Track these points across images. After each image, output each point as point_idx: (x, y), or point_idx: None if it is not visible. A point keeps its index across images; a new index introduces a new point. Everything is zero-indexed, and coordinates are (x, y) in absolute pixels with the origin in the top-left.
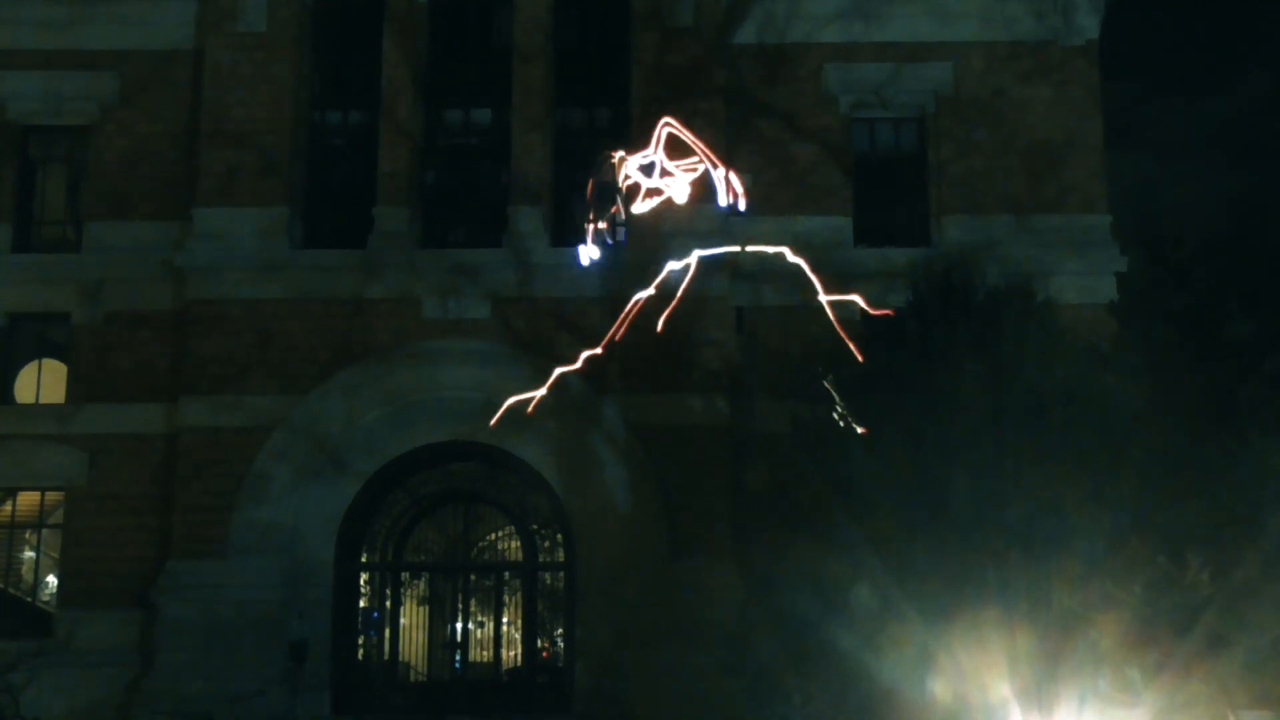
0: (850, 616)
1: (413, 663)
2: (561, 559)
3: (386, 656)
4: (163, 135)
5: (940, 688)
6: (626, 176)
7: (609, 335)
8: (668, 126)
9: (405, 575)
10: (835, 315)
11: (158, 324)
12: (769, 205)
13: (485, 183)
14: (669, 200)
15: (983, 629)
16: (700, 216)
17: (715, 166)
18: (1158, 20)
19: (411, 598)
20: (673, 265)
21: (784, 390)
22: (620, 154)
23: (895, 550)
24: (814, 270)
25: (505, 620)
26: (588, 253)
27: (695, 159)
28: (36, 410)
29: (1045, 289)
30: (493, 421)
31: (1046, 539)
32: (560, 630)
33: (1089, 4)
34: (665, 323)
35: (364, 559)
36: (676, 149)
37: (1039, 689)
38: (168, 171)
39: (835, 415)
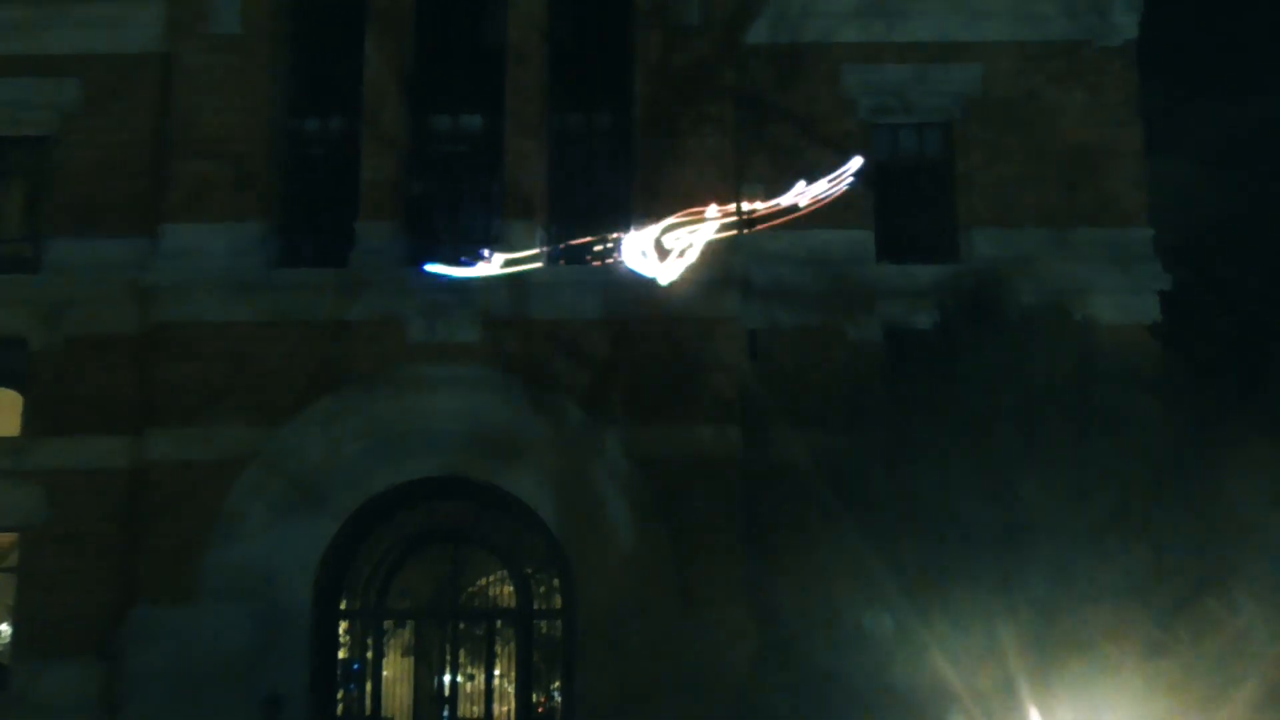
0: (877, 668)
1: (396, 718)
2: (559, 605)
3: (368, 711)
4: (129, 145)
5: None
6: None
7: None
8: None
9: (389, 623)
10: (853, 337)
11: (123, 349)
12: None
13: (476, 194)
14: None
15: (1020, 674)
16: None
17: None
18: (1199, 17)
19: (395, 647)
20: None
21: (802, 419)
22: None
23: (926, 591)
24: (834, 288)
25: (497, 672)
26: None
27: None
28: None
29: (1082, 308)
30: None
31: (1087, 576)
32: (557, 683)
33: (1126, 2)
34: (672, 346)
35: (344, 605)
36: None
37: None
38: (135, 184)
39: None
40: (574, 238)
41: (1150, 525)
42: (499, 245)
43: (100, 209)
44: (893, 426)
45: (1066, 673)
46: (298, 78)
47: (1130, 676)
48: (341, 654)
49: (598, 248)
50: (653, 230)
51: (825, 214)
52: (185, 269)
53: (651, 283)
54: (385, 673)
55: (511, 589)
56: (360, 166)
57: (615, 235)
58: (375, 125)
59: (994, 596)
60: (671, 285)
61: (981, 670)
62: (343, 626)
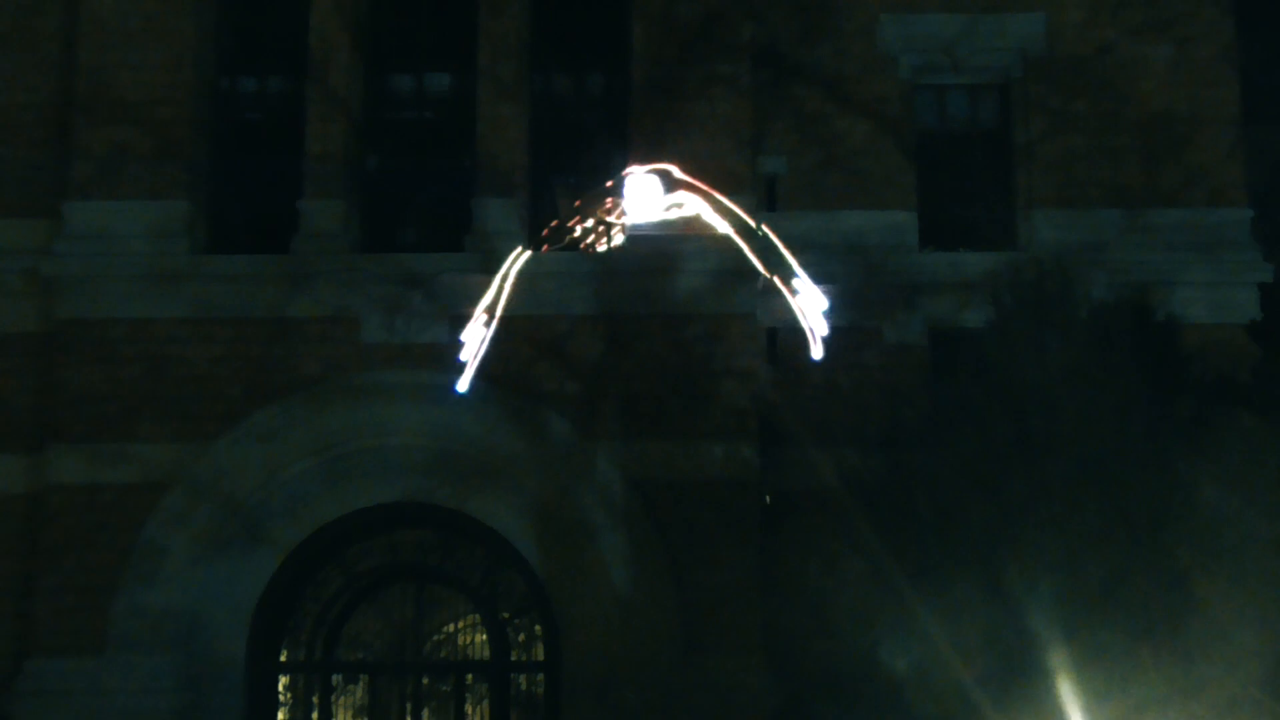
0: None
1: None
2: (541, 656)
3: None
4: (26, 108)
5: None
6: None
7: None
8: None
9: (338, 677)
10: (891, 339)
11: (20, 350)
12: (809, 196)
13: (443, 168)
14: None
15: None
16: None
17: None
18: None
19: (346, 706)
20: None
21: (830, 433)
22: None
23: (979, 637)
24: (870, 280)
25: None
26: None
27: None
28: None
29: (1166, 304)
30: None
31: (1168, 625)
32: None
33: None
34: (677, 348)
35: (284, 656)
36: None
37: None
38: (33, 154)
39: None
40: (559, 218)
41: (1245, 565)
42: (472, 227)
43: None
44: (938, 443)
45: None
46: (231, 29)
47: None
48: (282, 715)
49: (581, 205)
50: (657, 196)
51: (860, 192)
52: (95, 255)
53: (653, 275)
54: None
55: (485, 637)
56: (305, 135)
57: (609, 185)
58: (323, 86)
59: (1061, 647)
60: (676, 277)
61: None
62: (283, 682)
